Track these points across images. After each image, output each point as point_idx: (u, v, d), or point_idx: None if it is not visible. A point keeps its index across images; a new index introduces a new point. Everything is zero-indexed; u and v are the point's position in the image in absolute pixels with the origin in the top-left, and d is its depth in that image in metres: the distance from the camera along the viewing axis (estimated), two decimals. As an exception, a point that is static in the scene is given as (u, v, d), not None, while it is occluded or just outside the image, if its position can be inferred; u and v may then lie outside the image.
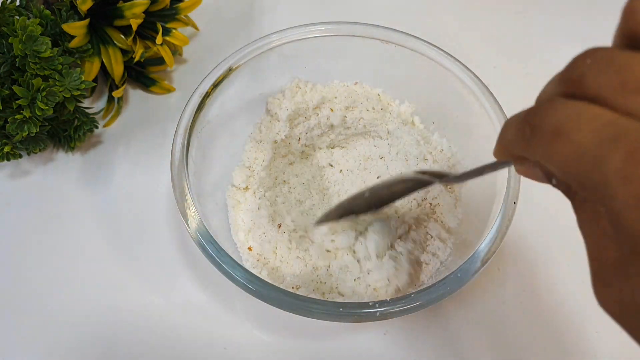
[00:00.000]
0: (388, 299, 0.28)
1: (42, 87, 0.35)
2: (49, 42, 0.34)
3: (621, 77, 0.14)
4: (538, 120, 0.16)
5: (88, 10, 0.37)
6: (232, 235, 0.35)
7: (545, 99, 0.17)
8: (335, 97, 0.39)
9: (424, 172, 0.26)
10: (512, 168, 0.32)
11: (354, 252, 0.34)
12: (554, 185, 0.18)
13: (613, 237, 0.14)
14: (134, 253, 0.38)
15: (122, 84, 0.42)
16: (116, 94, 0.41)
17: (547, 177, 0.18)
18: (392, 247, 0.34)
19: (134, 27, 0.39)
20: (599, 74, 0.15)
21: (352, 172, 0.39)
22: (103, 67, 0.41)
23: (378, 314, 0.27)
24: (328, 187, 0.39)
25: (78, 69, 0.36)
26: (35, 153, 0.40)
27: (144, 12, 0.39)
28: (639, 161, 0.13)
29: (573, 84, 0.15)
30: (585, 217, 0.16)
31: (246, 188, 0.37)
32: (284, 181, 0.39)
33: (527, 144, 0.16)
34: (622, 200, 0.13)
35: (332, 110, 0.39)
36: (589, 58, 0.15)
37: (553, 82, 0.17)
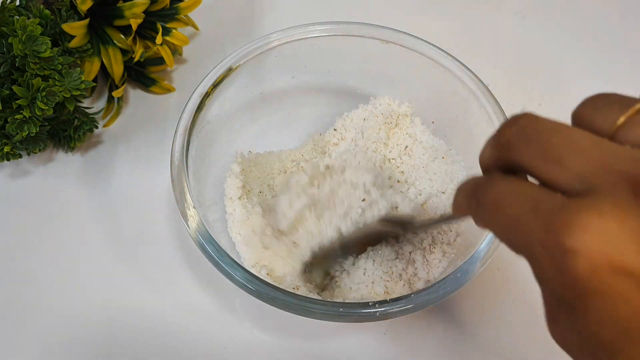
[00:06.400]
0: (388, 299, 0.28)
1: (42, 87, 0.35)
2: (49, 42, 0.34)
3: (541, 148, 0.16)
4: (481, 195, 0.18)
5: (88, 10, 0.37)
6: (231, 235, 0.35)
7: (485, 161, 0.19)
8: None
9: (388, 220, 0.30)
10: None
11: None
12: None
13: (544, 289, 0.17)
14: (133, 253, 0.38)
15: (122, 84, 0.42)
16: (116, 94, 0.41)
17: None
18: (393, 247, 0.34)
19: (134, 27, 0.39)
20: (522, 144, 0.17)
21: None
22: (103, 67, 0.41)
23: (378, 314, 0.27)
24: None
25: (78, 69, 0.36)
26: (35, 153, 0.40)
27: (143, 12, 0.39)
28: (553, 229, 0.15)
29: (502, 148, 0.18)
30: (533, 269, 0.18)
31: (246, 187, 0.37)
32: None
33: (474, 212, 0.19)
34: (542, 263, 0.16)
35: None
36: (513, 126, 0.18)
37: (489, 143, 0.19)
